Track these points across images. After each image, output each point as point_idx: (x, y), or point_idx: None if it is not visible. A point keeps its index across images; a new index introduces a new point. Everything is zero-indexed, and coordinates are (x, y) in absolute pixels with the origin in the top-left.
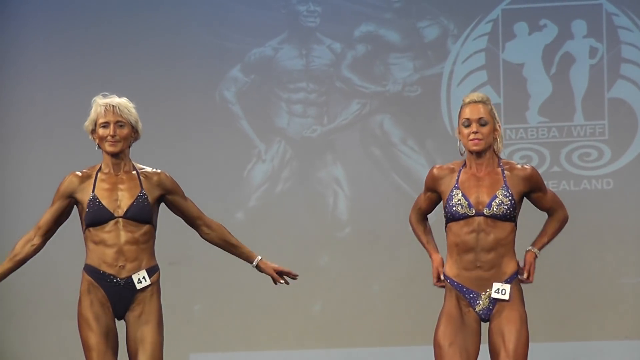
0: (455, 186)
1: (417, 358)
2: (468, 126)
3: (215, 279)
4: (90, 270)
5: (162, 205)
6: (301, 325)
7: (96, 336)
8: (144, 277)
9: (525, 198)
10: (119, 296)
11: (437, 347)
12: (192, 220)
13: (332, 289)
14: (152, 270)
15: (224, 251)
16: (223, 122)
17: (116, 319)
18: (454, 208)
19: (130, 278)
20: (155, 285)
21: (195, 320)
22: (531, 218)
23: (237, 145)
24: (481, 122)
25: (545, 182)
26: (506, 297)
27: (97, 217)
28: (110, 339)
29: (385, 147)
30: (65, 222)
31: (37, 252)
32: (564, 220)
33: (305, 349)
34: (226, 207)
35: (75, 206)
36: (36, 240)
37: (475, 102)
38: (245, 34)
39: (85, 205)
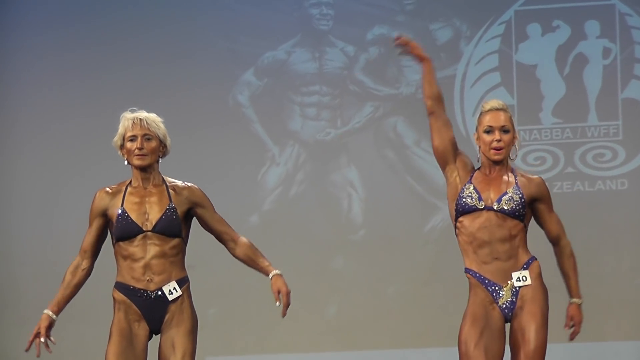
0: (469, 181)
1: None
2: (490, 133)
3: (229, 282)
4: (120, 287)
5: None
6: (316, 328)
7: (111, 348)
8: (174, 288)
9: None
10: (152, 310)
11: (462, 347)
12: (219, 234)
13: (347, 291)
14: (182, 282)
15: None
16: (236, 126)
17: (154, 335)
18: (464, 200)
19: (160, 290)
20: (186, 294)
21: (210, 324)
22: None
23: (251, 149)
24: (504, 130)
25: (560, 183)
26: (528, 282)
27: (125, 231)
28: (128, 352)
29: (398, 150)
30: (79, 229)
31: (89, 274)
32: (573, 254)
33: (320, 351)
34: (240, 211)
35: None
36: (85, 264)
37: (497, 109)
38: (258, 38)
39: (114, 220)
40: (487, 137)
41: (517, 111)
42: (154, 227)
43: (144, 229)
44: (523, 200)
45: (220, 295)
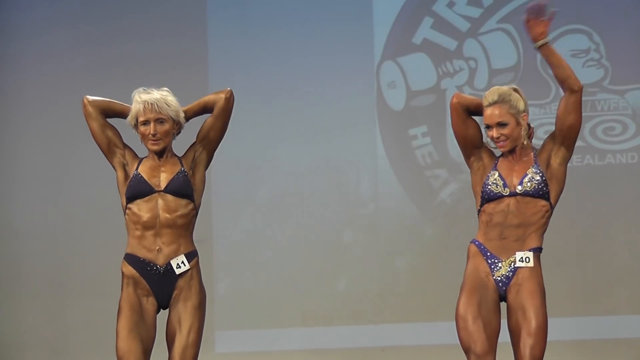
0: (494, 167)
1: (442, 334)
2: (489, 129)
3: (239, 257)
4: (130, 259)
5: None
6: (325, 302)
7: (122, 323)
8: (182, 262)
9: (566, 143)
10: (160, 285)
11: (460, 321)
12: (215, 116)
13: (357, 265)
14: (191, 256)
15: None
16: None
17: (162, 309)
18: (489, 187)
19: (169, 264)
20: (195, 269)
21: (219, 298)
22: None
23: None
24: (500, 124)
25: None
26: (530, 264)
27: (137, 189)
28: (139, 326)
29: None
30: (87, 202)
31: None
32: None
33: (330, 325)
34: (250, 185)
35: (116, 178)
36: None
37: (491, 104)
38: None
39: (128, 181)
40: (488, 133)
41: None
42: (166, 187)
43: (156, 189)
44: (544, 177)
45: (229, 269)
